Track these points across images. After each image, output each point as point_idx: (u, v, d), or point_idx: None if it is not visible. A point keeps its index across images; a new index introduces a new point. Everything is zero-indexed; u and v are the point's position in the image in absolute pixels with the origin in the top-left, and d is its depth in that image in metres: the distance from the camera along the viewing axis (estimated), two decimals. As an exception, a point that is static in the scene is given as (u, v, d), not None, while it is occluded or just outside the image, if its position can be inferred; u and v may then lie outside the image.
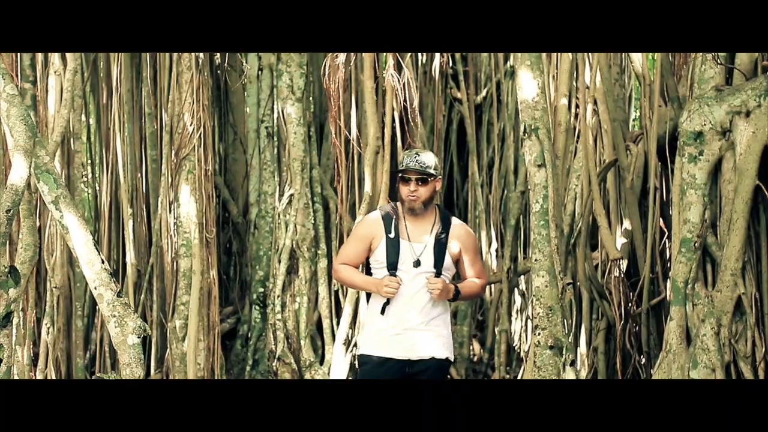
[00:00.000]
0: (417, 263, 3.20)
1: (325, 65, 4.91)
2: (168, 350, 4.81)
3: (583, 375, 4.54)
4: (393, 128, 5.09)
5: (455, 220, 3.35)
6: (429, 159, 3.26)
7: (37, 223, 3.92)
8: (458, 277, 3.40)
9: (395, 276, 3.21)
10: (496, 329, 6.02)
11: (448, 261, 3.25)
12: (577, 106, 4.86)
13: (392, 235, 3.23)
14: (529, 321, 6.22)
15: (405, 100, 5.05)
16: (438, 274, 3.22)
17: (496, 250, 6.95)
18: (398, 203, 3.33)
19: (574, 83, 4.66)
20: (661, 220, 4.50)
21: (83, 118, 5.55)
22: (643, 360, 4.38)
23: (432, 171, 3.25)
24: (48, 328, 4.24)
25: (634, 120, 7.20)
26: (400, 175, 3.28)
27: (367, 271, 3.33)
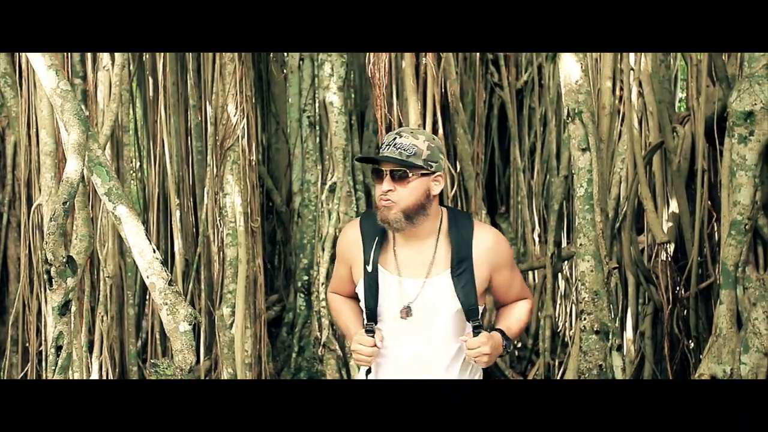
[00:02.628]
0: (408, 311, 2.09)
1: (368, 53, 4.93)
2: (216, 337, 4.92)
3: (629, 360, 4.50)
4: (434, 114, 5.08)
5: (477, 228, 2.15)
6: (414, 143, 2.08)
7: (90, 215, 4.03)
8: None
9: (372, 334, 2.10)
10: (540, 315, 5.99)
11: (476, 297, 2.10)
12: (621, 89, 4.78)
13: (370, 268, 2.12)
14: (573, 306, 6.17)
15: (445, 87, 5.03)
16: (477, 330, 2.08)
17: (539, 236, 6.90)
18: None
19: (619, 65, 4.59)
20: (709, 202, 4.41)
21: (131, 111, 5.68)
22: (692, 345, 4.32)
23: (416, 161, 2.07)
24: (102, 317, 4.37)
25: (680, 101, 7.05)
26: (372, 167, 2.15)
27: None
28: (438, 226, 2.16)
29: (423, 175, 2.11)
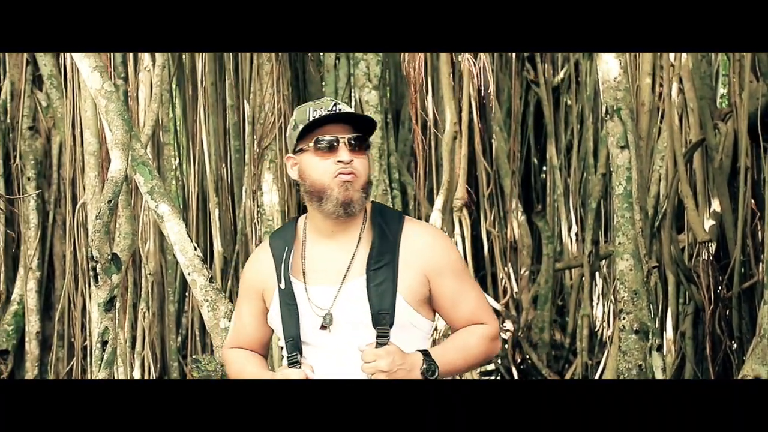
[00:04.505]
0: (328, 322, 1.66)
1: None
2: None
3: (669, 360, 4.44)
4: (470, 112, 5.07)
5: (409, 223, 1.73)
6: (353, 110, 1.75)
7: (132, 213, 4.13)
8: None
9: (298, 365, 1.69)
10: (578, 314, 5.94)
11: (403, 306, 1.67)
12: (661, 85, 4.71)
13: (283, 284, 1.71)
14: (611, 305, 6.11)
15: (481, 84, 5.02)
16: (382, 339, 1.65)
17: (576, 234, 6.83)
18: (301, 220, 1.78)
19: (658, 61, 4.52)
20: (752, 200, 4.33)
21: (171, 111, 5.79)
22: (735, 345, 4.24)
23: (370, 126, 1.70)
24: (144, 313, 4.47)
25: (721, 97, 6.91)
26: (313, 140, 1.67)
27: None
28: (361, 221, 1.71)
29: (368, 147, 1.72)
